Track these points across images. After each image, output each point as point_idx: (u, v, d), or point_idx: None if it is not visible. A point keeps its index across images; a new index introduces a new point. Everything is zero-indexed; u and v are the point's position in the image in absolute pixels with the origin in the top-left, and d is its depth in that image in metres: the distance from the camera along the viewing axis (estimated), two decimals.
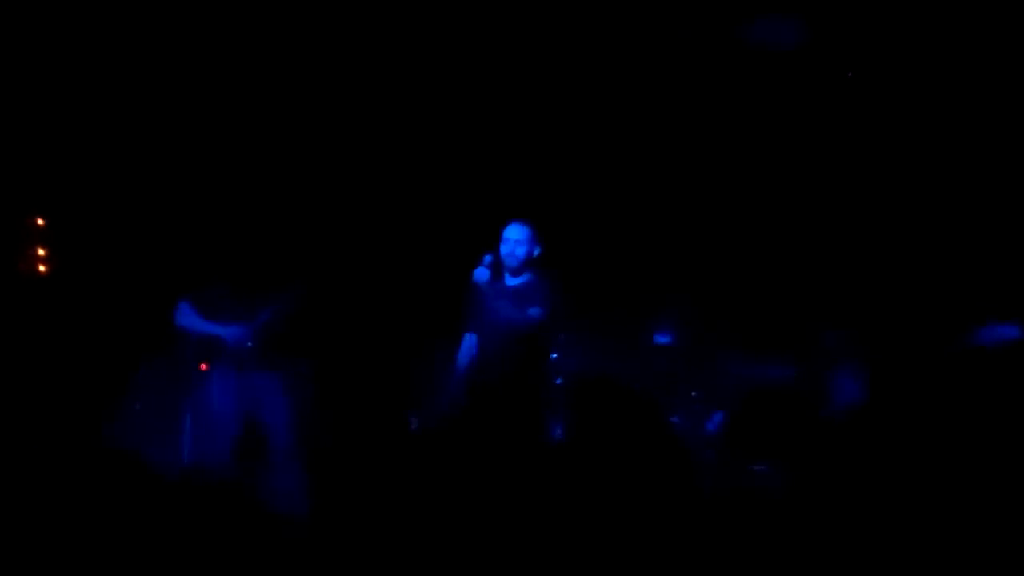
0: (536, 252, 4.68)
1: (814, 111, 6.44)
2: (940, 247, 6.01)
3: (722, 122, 6.57)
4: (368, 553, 4.19)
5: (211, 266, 5.11)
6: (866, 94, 6.32)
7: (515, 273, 4.62)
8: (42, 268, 6.54)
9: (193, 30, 6.15)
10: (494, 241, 4.73)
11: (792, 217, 6.63)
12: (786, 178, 6.62)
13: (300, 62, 6.40)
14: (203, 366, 5.02)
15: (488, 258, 4.62)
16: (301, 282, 4.92)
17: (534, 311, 4.57)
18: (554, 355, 5.66)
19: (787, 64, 6.27)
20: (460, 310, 4.82)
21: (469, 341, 4.74)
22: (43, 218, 6.58)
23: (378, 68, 6.46)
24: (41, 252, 6.54)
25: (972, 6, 5.83)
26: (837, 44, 6.14)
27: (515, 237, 4.64)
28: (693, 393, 5.82)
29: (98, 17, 6.06)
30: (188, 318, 4.92)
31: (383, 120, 6.65)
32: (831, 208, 6.52)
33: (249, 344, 4.81)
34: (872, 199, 6.38)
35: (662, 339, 5.96)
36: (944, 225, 6.08)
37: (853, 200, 6.45)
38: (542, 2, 6.07)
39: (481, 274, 4.55)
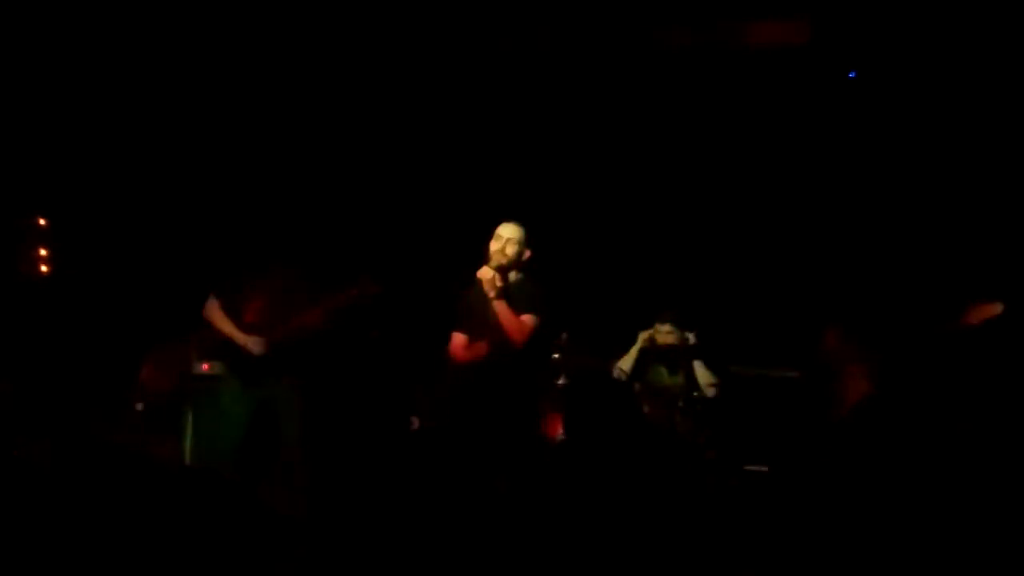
0: (527, 255, 4.67)
1: (815, 111, 6.45)
2: (942, 244, 6.02)
3: (725, 124, 6.57)
4: (369, 553, 4.19)
5: (235, 270, 5.10)
6: (868, 94, 6.32)
7: (504, 272, 4.60)
8: (43, 268, 6.54)
9: (193, 29, 6.15)
10: (485, 237, 4.71)
11: (795, 218, 6.65)
12: (790, 179, 6.63)
13: (297, 63, 6.40)
14: (205, 366, 5.01)
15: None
16: (327, 302, 4.92)
17: (528, 317, 4.56)
18: (555, 355, 5.68)
19: (788, 64, 6.27)
20: (455, 310, 4.80)
21: (459, 341, 4.72)
22: (43, 218, 6.58)
23: (375, 70, 6.48)
24: (42, 252, 6.54)
25: (972, 6, 5.84)
26: (838, 44, 6.15)
27: (508, 235, 4.62)
28: (694, 393, 5.82)
29: (98, 17, 6.05)
30: (214, 314, 4.92)
31: (385, 124, 6.66)
32: (835, 208, 6.53)
33: (266, 355, 4.82)
34: (876, 199, 6.40)
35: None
36: (945, 222, 6.10)
37: (857, 200, 6.46)
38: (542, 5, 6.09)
39: (485, 272, 4.54)
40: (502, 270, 4.56)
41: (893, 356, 5.08)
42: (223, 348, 4.90)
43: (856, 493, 4.37)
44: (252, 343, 4.83)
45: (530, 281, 4.66)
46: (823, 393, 5.39)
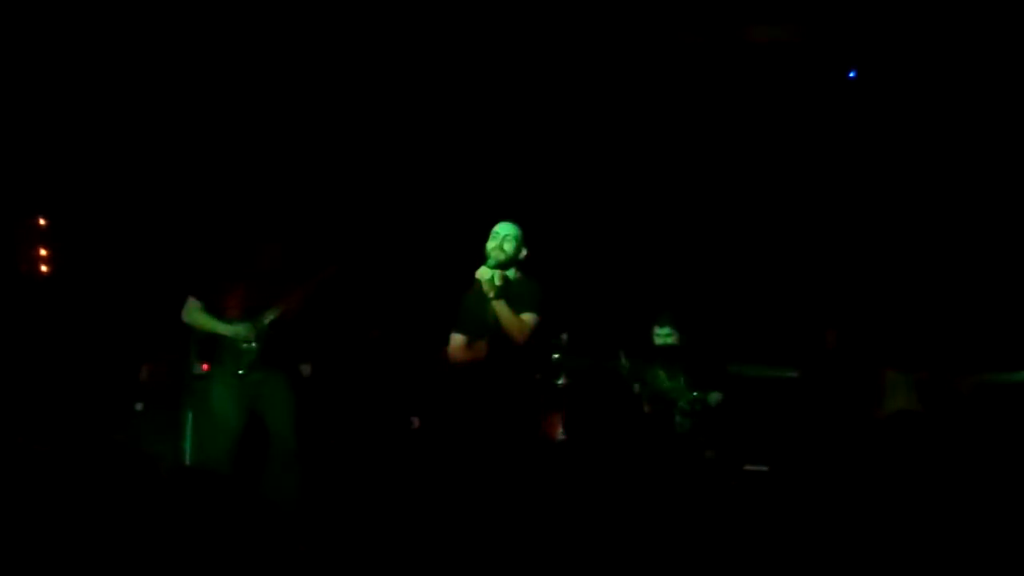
0: (523, 254, 4.68)
1: (817, 111, 6.45)
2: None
3: (728, 125, 6.58)
4: (369, 552, 4.20)
5: (213, 266, 5.09)
6: (870, 95, 6.32)
7: (503, 269, 4.61)
8: (43, 268, 6.54)
9: (193, 30, 6.15)
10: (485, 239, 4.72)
11: (795, 218, 6.65)
12: (790, 179, 6.64)
13: (297, 63, 6.41)
14: (205, 366, 5.00)
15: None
16: (307, 282, 4.91)
17: (528, 316, 4.56)
18: (556, 355, 5.68)
19: (791, 64, 6.28)
20: (454, 309, 4.80)
21: (458, 341, 4.72)
22: (43, 218, 6.58)
23: (374, 71, 6.48)
24: (42, 252, 6.54)
25: (971, 6, 5.84)
26: (837, 43, 6.15)
27: (505, 232, 4.63)
28: (694, 394, 5.83)
29: (98, 17, 6.05)
30: (195, 315, 4.91)
31: (385, 125, 6.66)
32: (835, 208, 6.53)
33: (254, 344, 4.80)
34: (877, 200, 6.41)
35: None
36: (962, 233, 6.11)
37: (858, 201, 6.47)
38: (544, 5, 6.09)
39: (484, 272, 4.54)
40: (501, 267, 4.56)
41: (944, 384, 5.11)
42: (213, 346, 4.88)
43: (878, 498, 4.38)
44: (241, 330, 4.82)
45: (528, 280, 4.66)
46: (837, 391, 5.41)
